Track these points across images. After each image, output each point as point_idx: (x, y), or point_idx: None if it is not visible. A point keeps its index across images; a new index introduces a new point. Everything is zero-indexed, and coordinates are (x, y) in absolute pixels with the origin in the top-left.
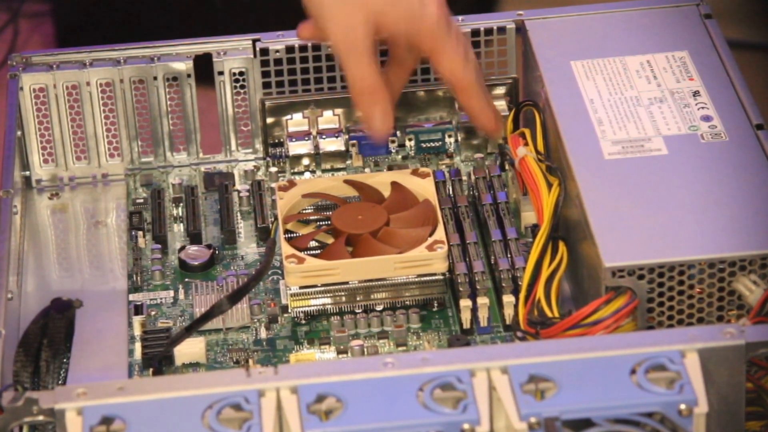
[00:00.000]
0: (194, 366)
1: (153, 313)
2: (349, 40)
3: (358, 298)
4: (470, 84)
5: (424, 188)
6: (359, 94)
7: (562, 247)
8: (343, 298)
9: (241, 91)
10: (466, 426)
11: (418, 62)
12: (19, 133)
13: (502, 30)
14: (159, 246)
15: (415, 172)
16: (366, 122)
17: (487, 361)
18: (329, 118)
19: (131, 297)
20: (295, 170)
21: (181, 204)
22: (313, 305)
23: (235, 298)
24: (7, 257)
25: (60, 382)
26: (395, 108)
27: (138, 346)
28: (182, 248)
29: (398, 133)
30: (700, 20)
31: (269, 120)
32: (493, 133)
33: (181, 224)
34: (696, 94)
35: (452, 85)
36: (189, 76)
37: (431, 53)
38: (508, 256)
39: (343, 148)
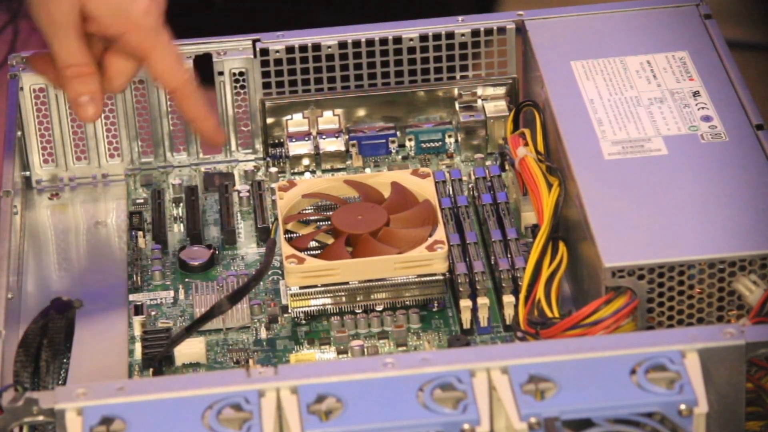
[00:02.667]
0: (194, 366)
1: (153, 313)
2: (54, 16)
3: (358, 299)
4: (185, 84)
5: (424, 188)
6: (64, 75)
7: (562, 247)
8: (343, 299)
9: (241, 91)
10: (466, 426)
11: (140, 62)
12: (19, 133)
13: (502, 30)
14: (159, 246)
15: (415, 172)
16: (72, 106)
17: (487, 361)
18: (329, 118)
19: (131, 297)
20: (295, 170)
21: (181, 204)
22: (313, 305)
23: (235, 298)
24: (7, 257)
25: (60, 382)
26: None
27: (138, 346)
28: (182, 248)
29: (398, 133)
30: (700, 20)
31: (269, 120)
32: (214, 139)
33: (181, 224)
34: (696, 94)
35: (166, 85)
36: None
37: (141, 50)
38: (508, 256)
39: (343, 148)
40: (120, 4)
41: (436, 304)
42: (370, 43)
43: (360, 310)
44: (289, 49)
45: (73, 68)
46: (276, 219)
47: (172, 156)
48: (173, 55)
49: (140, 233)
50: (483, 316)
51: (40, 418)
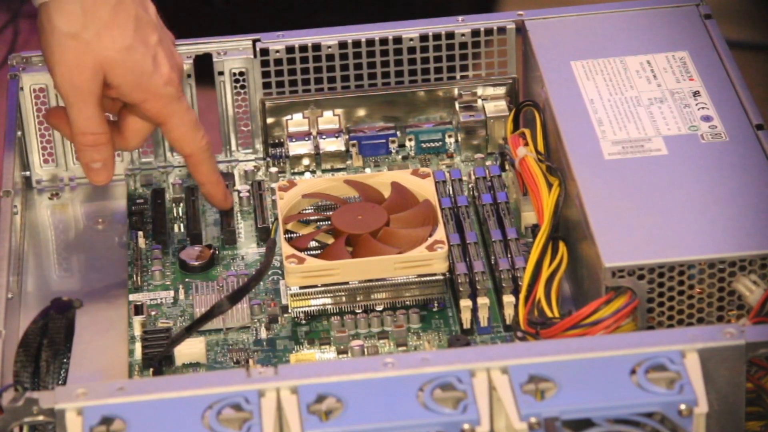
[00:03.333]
0: (194, 366)
1: (153, 313)
2: (75, 83)
3: (358, 298)
4: (200, 151)
5: (424, 188)
6: (80, 142)
7: (562, 247)
8: (344, 298)
9: (241, 91)
10: (466, 426)
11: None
12: (19, 133)
13: (502, 30)
14: (159, 246)
15: (415, 172)
16: (84, 169)
17: (487, 361)
18: (329, 118)
19: (131, 297)
20: (296, 170)
21: (181, 204)
22: (314, 305)
23: (235, 298)
24: (7, 257)
25: (60, 382)
26: (392, 107)
27: (138, 346)
28: (182, 248)
29: (398, 133)
30: (700, 20)
31: (269, 120)
32: (221, 205)
33: (181, 224)
34: (696, 94)
35: (181, 151)
36: (189, 76)
37: (159, 118)
38: (508, 256)
39: (343, 148)
40: (142, 75)
41: (436, 304)
42: (370, 43)
43: (360, 310)
44: (289, 49)
45: (88, 137)
46: (276, 219)
47: (172, 156)
48: (190, 123)
49: (140, 233)
50: (483, 316)
51: (40, 418)
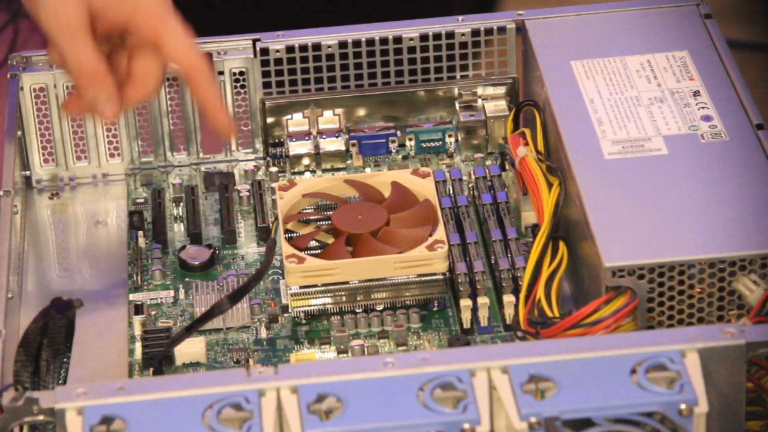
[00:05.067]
0: (194, 366)
1: (153, 313)
2: (61, 20)
3: (358, 298)
4: (199, 66)
5: (424, 188)
6: (79, 78)
7: (562, 247)
8: (344, 298)
9: (241, 91)
10: (466, 426)
11: (161, 59)
12: (19, 133)
13: (502, 30)
14: (159, 246)
15: (415, 172)
16: (93, 109)
17: (487, 361)
18: (329, 118)
19: (131, 297)
20: (296, 170)
21: (181, 204)
22: (314, 305)
23: (235, 297)
24: (7, 257)
25: (60, 382)
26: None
27: (138, 346)
28: (182, 248)
29: (398, 133)
30: (700, 20)
31: (269, 120)
32: (224, 130)
33: (181, 224)
34: (696, 94)
35: (181, 67)
36: None
37: (153, 34)
38: (509, 255)
39: (343, 148)
40: None
41: (436, 304)
42: (370, 43)
43: (360, 310)
44: (289, 49)
45: (86, 68)
46: (276, 218)
47: (172, 156)
48: (186, 37)
49: (140, 233)
50: (483, 315)
51: (41, 417)
